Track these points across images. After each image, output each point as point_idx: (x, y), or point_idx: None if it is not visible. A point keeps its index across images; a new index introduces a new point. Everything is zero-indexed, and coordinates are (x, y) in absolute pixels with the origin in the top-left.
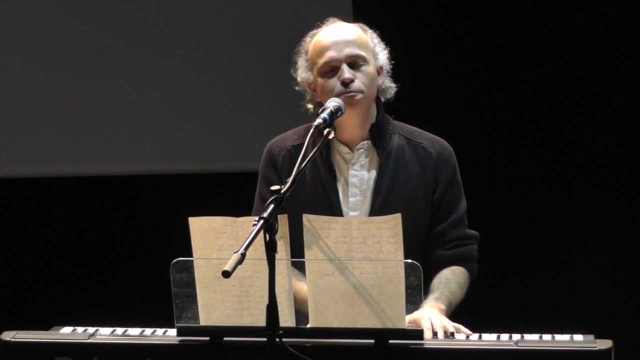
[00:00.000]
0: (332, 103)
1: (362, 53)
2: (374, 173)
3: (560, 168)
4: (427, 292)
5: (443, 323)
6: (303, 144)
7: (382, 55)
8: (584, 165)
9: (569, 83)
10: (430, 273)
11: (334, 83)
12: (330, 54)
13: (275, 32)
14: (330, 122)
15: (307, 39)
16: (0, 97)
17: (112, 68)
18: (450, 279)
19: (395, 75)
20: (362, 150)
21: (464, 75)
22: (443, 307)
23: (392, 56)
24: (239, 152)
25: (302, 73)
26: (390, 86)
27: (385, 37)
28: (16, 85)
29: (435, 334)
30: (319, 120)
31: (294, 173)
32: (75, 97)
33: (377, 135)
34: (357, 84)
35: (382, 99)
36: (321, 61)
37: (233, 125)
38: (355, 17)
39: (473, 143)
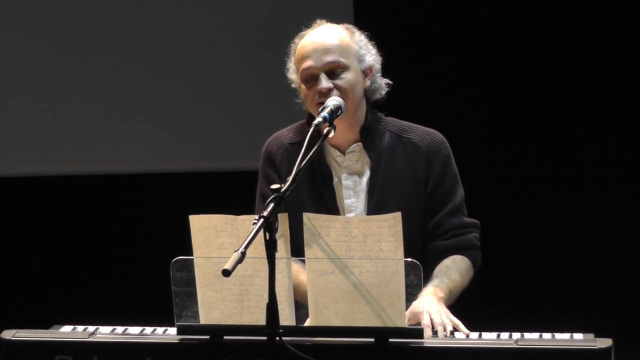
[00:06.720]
0: (332, 102)
1: (342, 60)
2: (366, 175)
3: (561, 166)
4: (427, 283)
5: (442, 320)
6: (299, 141)
7: (370, 56)
8: (585, 164)
9: (572, 77)
10: (429, 265)
11: (313, 92)
12: (309, 63)
13: (276, 32)
14: (330, 121)
15: (296, 40)
16: (0, 97)
17: (112, 68)
18: (450, 267)
19: (400, 73)
20: (352, 152)
21: (468, 72)
22: (442, 294)
23: (394, 55)
24: (238, 151)
25: (292, 75)
26: (380, 85)
27: (386, 36)
28: (16, 85)
29: (435, 332)
30: (319, 119)
31: (293, 172)
32: (75, 96)
33: (367, 137)
34: (335, 94)
35: (372, 99)
36: (301, 69)
37: (233, 125)
38: (355, 17)
39: (475, 143)
